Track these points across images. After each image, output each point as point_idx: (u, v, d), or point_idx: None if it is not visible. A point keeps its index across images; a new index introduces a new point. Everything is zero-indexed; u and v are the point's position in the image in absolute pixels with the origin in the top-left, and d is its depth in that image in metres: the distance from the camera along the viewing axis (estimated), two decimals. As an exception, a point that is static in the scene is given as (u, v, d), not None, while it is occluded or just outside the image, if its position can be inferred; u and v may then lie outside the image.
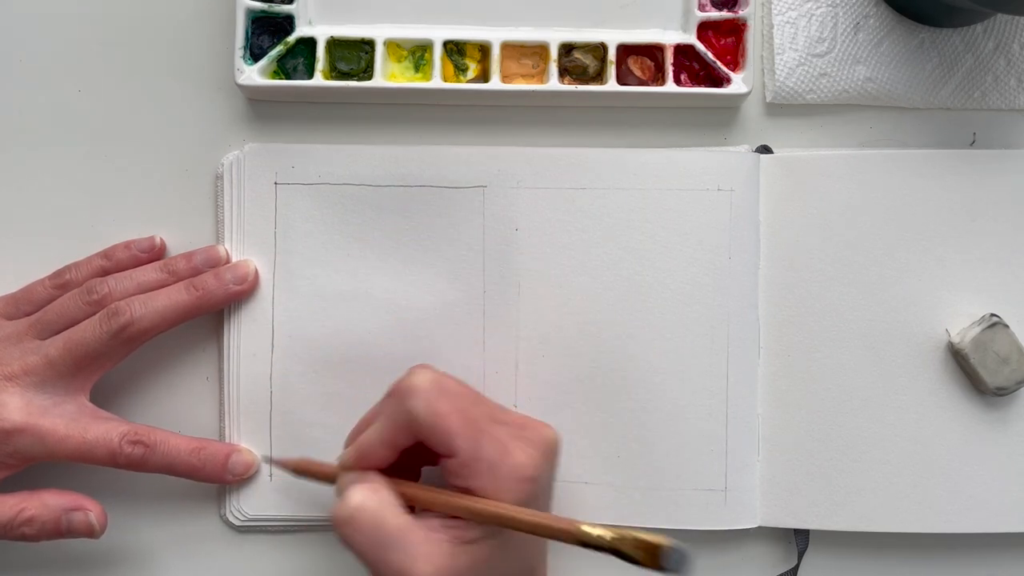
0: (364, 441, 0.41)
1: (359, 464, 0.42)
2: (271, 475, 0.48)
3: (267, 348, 0.48)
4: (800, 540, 0.48)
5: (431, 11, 0.49)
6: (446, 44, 0.49)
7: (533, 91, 0.48)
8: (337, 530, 0.40)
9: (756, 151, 0.49)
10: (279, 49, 0.48)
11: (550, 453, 0.42)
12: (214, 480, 0.46)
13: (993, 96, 0.50)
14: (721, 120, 0.50)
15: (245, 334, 0.48)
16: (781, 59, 0.49)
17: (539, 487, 0.40)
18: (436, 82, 0.48)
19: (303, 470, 0.45)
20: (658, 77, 0.49)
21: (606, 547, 0.36)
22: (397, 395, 0.41)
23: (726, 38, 0.49)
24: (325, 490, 0.48)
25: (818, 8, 0.50)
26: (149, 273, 0.47)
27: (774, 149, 0.49)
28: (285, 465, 0.46)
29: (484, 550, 0.39)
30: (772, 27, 0.49)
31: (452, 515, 0.40)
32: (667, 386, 0.47)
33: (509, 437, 0.40)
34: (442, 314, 0.48)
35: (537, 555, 0.43)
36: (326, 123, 0.49)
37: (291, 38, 0.48)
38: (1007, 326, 0.47)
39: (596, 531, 0.37)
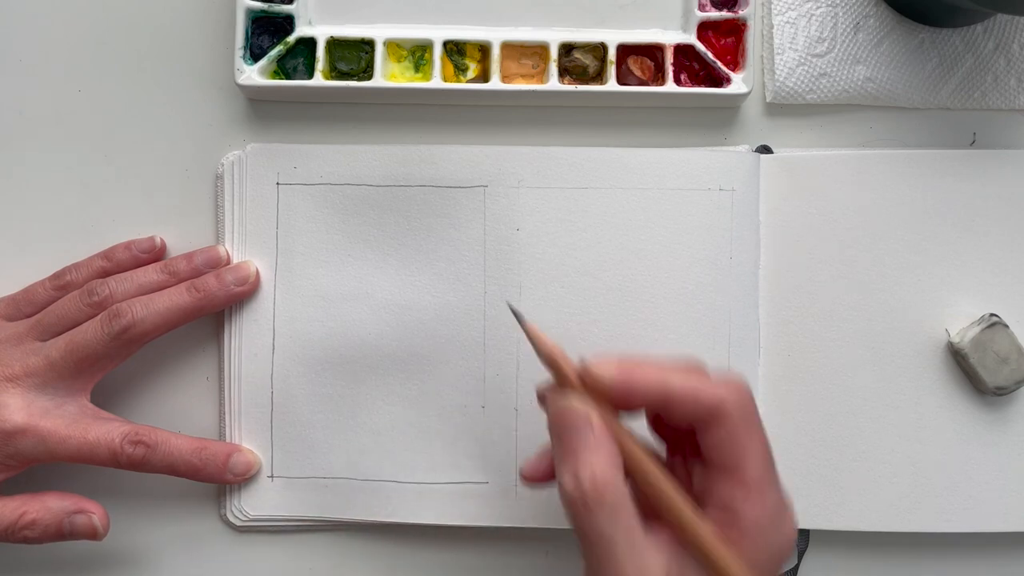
0: (644, 368, 0.36)
1: (617, 386, 0.36)
2: (272, 475, 0.48)
3: (268, 348, 0.48)
4: (800, 540, 0.48)
5: (431, 11, 0.49)
6: (446, 44, 0.49)
7: (533, 91, 0.48)
8: (568, 507, 0.36)
9: (756, 151, 0.49)
10: (279, 49, 0.48)
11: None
12: (215, 480, 0.46)
13: (993, 96, 0.50)
14: (721, 120, 0.50)
15: (246, 334, 0.48)
16: (781, 59, 0.49)
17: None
18: (436, 82, 0.48)
19: (551, 361, 0.38)
20: (658, 77, 0.49)
21: None
22: (723, 380, 0.37)
23: (726, 38, 0.49)
24: (325, 490, 0.48)
25: (818, 8, 0.50)
26: (150, 274, 0.47)
27: (774, 149, 0.49)
28: (536, 344, 0.38)
29: None
30: (772, 27, 0.49)
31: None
32: (667, 386, 0.47)
33: (787, 505, 0.37)
34: (443, 315, 0.48)
35: None
36: (326, 123, 0.49)
37: (291, 38, 0.48)
38: (1007, 326, 0.47)
39: None
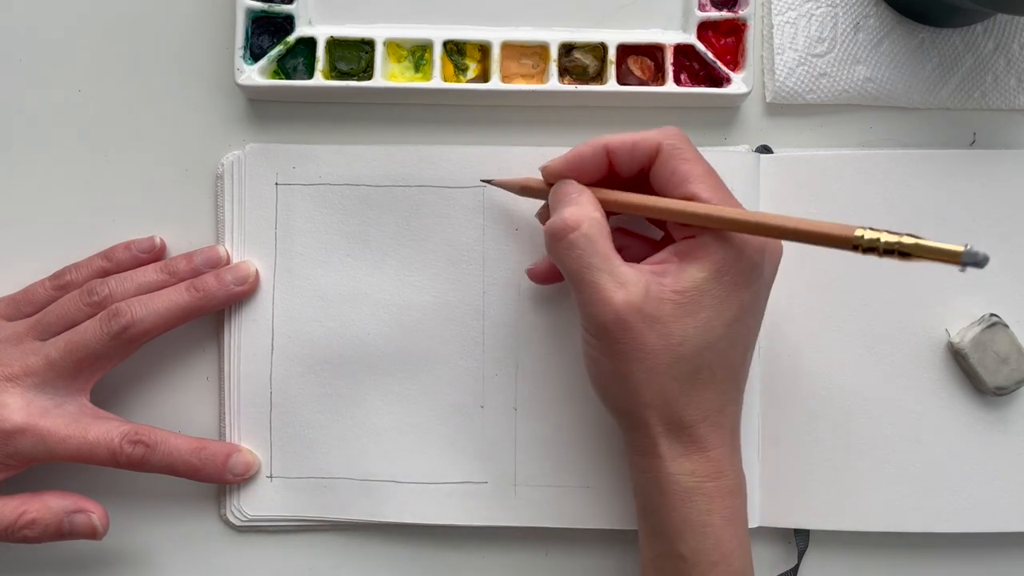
0: (582, 145, 0.42)
1: (567, 167, 0.42)
2: (271, 475, 0.48)
3: (267, 348, 0.48)
4: (800, 540, 0.48)
5: (431, 11, 0.49)
6: (446, 44, 0.49)
7: (533, 91, 0.48)
8: (550, 243, 0.41)
9: (756, 151, 0.49)
10: (279, 49, 0.48)
11: (780, 257, 0.42)
12: (214, 480, 0.46)
13: (993, 96, 0.50)
14: (721, 120, 0.50)
15: (245, 334, 0.48)
16: (781, 59, 0.49)
17: (768, 276, 0.41)
18: (436, 82, 0.48)
19: (525, 189, 0.45)
20: (658, 77, 0.49)
21: (891, 252, 0.36)
22: (657, 129, 0.42)
23: (726, 38, 0.49)
24: (324, 490, 0.48)
25: (818, 8, 0.50)
26: (150, 274, 0.47)
27: (774, 149, 0.49)
28: (508, 186, 0.46)
29: (683, 303, 0.39)
30: (772, 27, 0.49)
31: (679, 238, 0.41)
32: (667, 386, 0.47)
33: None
34: (442, 314, 0.48)
35: (742, 346, 0.41)
36: (326, 123, 0.49)
37: (291, 38, 0.48)
38: (1007, 326, 0.47)
39: (876, 235, 0.36)
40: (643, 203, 0.41)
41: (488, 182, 0.47)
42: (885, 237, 0.36)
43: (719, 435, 0.41)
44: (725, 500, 0.40)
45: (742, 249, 0.40)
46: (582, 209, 0.40)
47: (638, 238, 0.45)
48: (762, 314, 0.42)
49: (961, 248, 0.34)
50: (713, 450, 0.41)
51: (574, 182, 0.42)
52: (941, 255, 0.35)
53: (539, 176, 0.44)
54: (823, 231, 0.37)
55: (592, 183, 0.42)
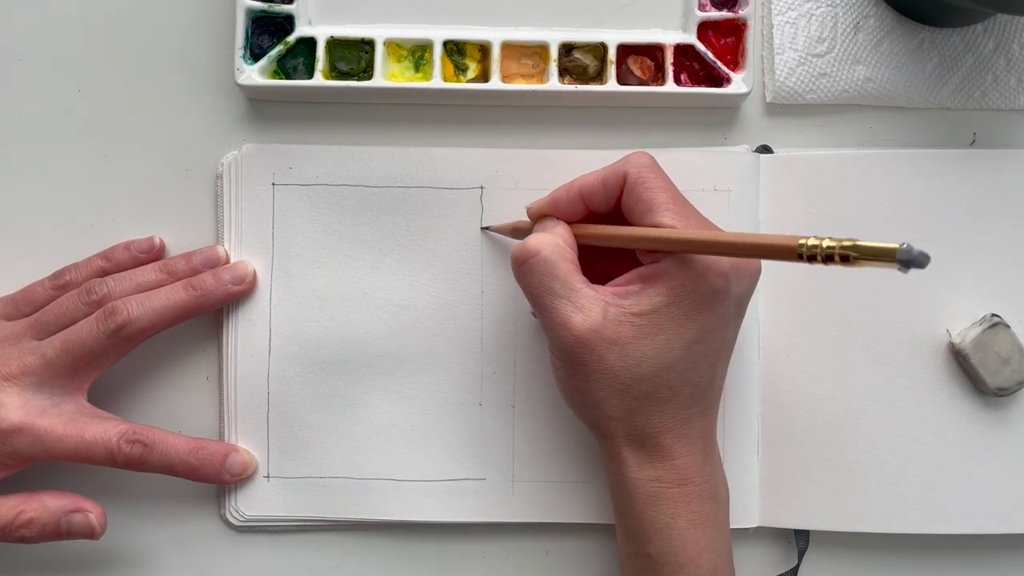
0: (559, 188, 0.43)
1: (549, 208, 0.44)
2: (268, 475, 0.48)
3: (264, 348, 0.48)
4: (800, 540, 0.48)
5: (431, 11, 0.49)
6: (446, 44, 0.49)
7: (533, 91, 0.48)
8: (513, 269, 0.42)
9: (756, 151, 0.49)
10: (279, 49, 0.48)
11: (756, 276, 0.42)
12: (211, 480, 0.46)
13: (993, 96, 0.49)
14: (721, 120, 0.50)
15: (243, 334, 0.48)
16: (781, 59, 0.49)
17: (737, 297, 0.41)
18: (436, 82, 0.48)
19: (516, 231, 0.47)
20: (658, 77, 0.49)
21: (832, 258, 0.35)
22: (625, 158, 0.43)
23: (726, 38, 0.49)
24: (322, 490, 0.48)
25: (818, 8, 0.50)
26: (148, 274, 0.47)
27: (774, 149, 0.49)
28: (502, 230, 0.48)
29: (642, 325, 0.40)
30: (772, 27, 0.49)
31: (638, 267, 0.42)
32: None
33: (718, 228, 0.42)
34: (440, 314, 0.48)
35: (706, 365, 0.42)
36: (326, 123, 0.49)
37: (291, 38, 0.48)
38: (1008, 326, 0.47)
39: (818, 242, 0.35)
40: (606, 233, 0.42)
41: (487, 230, 0.48)
42: (826, 243, 0.35)
43: (685, 445, 0.42)
44: (692, 504, 0.41)
45: (703, 274, 0.40)
46: (544, 236, 0.42)
47: (625, 254, 0.45)
48: (734, 332, 0.43)
49: (896, 246, 0.33)
50: (679, 459, 0.41)
51: (553, 218, 0.44)
52: (878, 254, 0.34)
53: (526, 217, 0.45)
54: (767, 243, 0.37)
55: (575, 221, 0.44)
